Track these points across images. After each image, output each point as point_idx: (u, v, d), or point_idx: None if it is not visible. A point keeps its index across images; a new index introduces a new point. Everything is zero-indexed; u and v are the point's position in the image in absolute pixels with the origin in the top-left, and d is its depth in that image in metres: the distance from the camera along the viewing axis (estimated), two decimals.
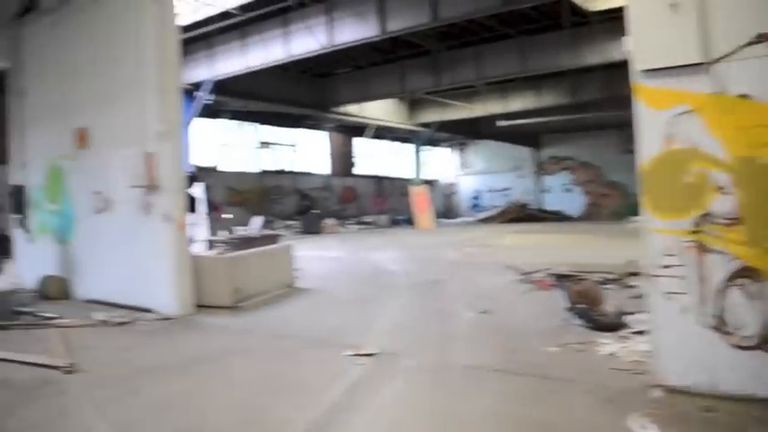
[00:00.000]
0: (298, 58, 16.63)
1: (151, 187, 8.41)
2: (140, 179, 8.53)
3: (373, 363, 5.46)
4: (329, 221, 27.41)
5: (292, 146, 30.84)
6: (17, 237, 11.43)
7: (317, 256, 15.79)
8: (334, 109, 25.22)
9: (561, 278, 9.54)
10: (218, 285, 8.59)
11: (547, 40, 18.55)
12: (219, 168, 27.59)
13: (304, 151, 31.41)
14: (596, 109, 26.04)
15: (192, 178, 10.72)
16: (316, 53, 16.08)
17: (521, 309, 7.89)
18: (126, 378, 5.27)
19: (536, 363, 5.35)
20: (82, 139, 9.71)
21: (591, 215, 34.27)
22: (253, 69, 17.54)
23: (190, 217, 17.66)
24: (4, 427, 4.22)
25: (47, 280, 9.97)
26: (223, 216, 27.16)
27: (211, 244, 15.27)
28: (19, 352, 6.18)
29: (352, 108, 25.91)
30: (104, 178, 9.25)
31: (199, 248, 15.90)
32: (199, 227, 18.00)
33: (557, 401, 4.41)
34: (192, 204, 9.99)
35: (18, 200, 11.09)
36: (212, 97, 19.35)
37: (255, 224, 22.86)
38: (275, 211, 29.50)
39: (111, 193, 9.20)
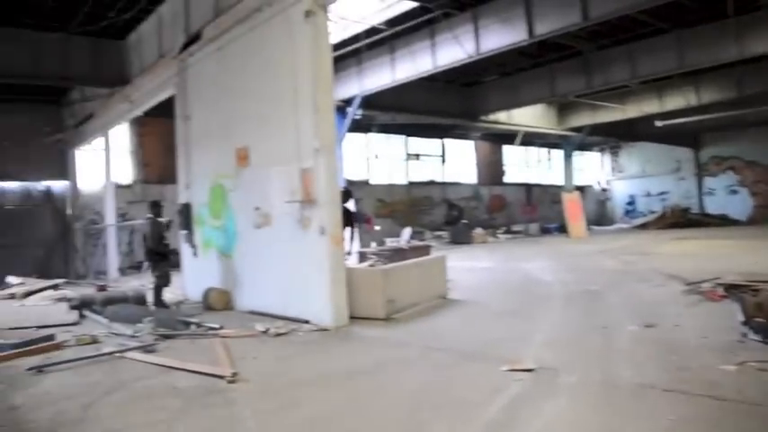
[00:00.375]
0: (445, 68, 16.59)
1: (307, 202, 8.73)
2: (297, 194, 8.87)
3: (532, 378, 5.26)
4: (478, 231, 27.16)
5: (440, 156, 30.98)
6: (183, 251, 12.32)
7: (467, 267, 15.67)
8: (483, 117, 24.98)
9: (733, 289, 8.77)
10: (372, 297, 8.73)
11: (706, 32, 17.17)
12: (370, 182, 28.29)
13: (452, 161, 31.43)
14: (764, 103, 23.82)
15: (347, 193, 11.03)
16: (463, 62, 16.00)
17: (688, 322, 7.31)
18: (286, 389, 5.43)
19: (710, 382, 4.89)
20: (242, 158, 10.30)
21: (760, 218, 31.29)
22: (401, 82, 17.77)
23: (345, 230, 18.30)
24: (187, 430, 4.50)
25: (210, 292, 10.63)
26: (375, 228, 27.82)
27: (363, 256, 15.69)
28: (186, 360, 6.58)
29: (500, 115, 25.55)
30: (263, 194, 9.74)
31: (352, 261, 16.42)
32: (351, 239, 18.57)
33: (742, 429, 4.03)
34: (347, 218, 10.27)
35: (185, 216, 11.95)
36: (361, 112, 19.84)
37: (405, 235, 23.13)
38: (424, 222, 29.70)
39: (269, 209, 9.66)
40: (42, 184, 20.80)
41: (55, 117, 20.81)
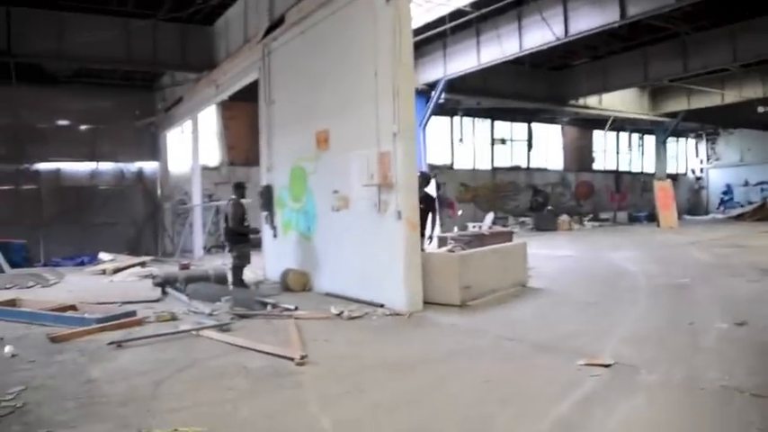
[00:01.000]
0: (532, 51, 16.09)
1: (384, 186, 8.64)
2: (374, 178, 8.80)
3: (609, 375, 4.96)
4: (563, 218, 26.42)
5: (526, 141, 30.29)
6: (264, 232, 12.47)
7: (549, 255, 15.22)
8: (572, 102, 24.17)
9: None
10: (448, 283, 8.54)
11: None
12: (454, 166, 27.98)
13: (539, 146, 30.68)
14: None
15: (426, 178, 10.86)
16: (551, 45, 15.46)
17: None
18: (353, 374, 5.35)
19: None
20: (322, 141, 10.30)
21: None
22: (486, 66, 17.38)
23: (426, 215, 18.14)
24: (239, 414, 4.45)
25: (288, 273, 10.71)
26: (458, 213, 27.55)
27: (443, 241, 15.49)
28: (258, 340, 6.62)
29: (590, 100, 24.64)
30: (342, 178, 9.70)
31: (432, 245, 16.26)
32: (432, 225, 18.39)
33: None
34: (428, 203, 10.13)
35: (266, 198, 12.09)
36: (445, 96, 19.56)
37: (487, 221, 22.75)
38: (508, 208, 29.20)
39: (347, 192, 9.63)
40: (135, 166, 21.67)
41: (147, 101, 21.61)
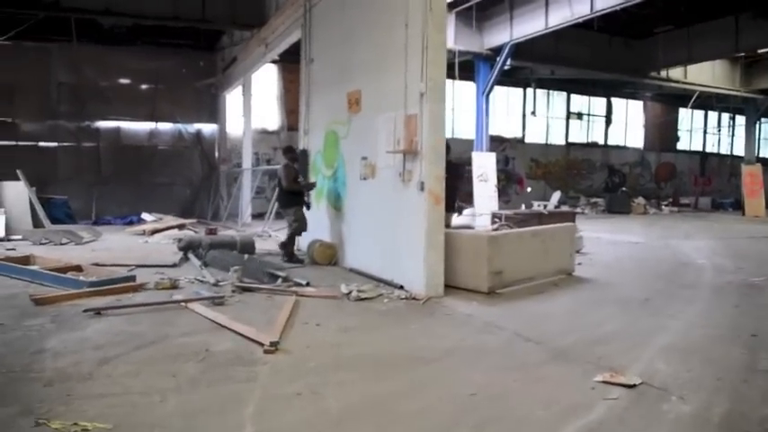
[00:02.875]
0: (605, 12, 14.42)
1: (410, 153, 7.67)
2: (401, 144, 7.86)
3: (629, 399, 3.90)
4: (639, 201, 24.72)
5: (605, 117, 28.43)
6: None
7: (613, 240, 13.92)
8: (653, 74, 22.18)
9: None
10: (476, 267, 7.51)
11: None
12: (525, 140, 26.60)
13: (618, 123, 28.76)
14: None
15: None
16: (624, 6, 13.86)
17: None
18: (321, 370, 4.49)
19: None
20: (354, 102, 9.38)
21: None
22: (554, 28, 15.86)
23: (481, 189, 17.04)
24: (160, 409, 3.70)
25: (314, 245, 9.95)
26: (527, 189, 26.28)
27: (496, 218, 14.40)
28: (243, 319, 5.89)
29: (674, 73, 22.55)
30: (371, 143, 8.78)
31: (483, 222, 15.19)
32: (487, 200, 17.27)
33: None
34: (454, 171, 9.05)
35: (302, 164, 11.32)
36: (511, 62, 18.20)
37: (553, 200, 21.37)
38: (581, 187, 27.65)
39: (375, 159, 8.71)
40: (193, 127, 21.40)
41: (209, 62, 21.26)
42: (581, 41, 19.47)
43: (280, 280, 8.07)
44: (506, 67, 17.91)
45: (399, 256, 7.90)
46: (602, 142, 28.46)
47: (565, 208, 19.34)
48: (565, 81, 25.41)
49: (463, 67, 18.37)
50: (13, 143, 18.77)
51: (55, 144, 19.56)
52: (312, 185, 10.49)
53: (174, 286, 7.70)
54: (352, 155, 9.47)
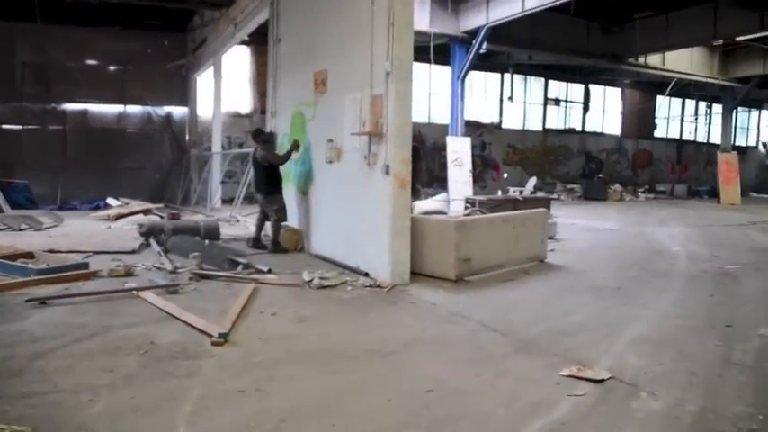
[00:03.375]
0: None
1: (375, 135, 7.36)
2: (366, 125, 7.55)
3: (596, 395, 3.65)
4: (615, 188, 24.64)
5: (582, 103, 28.27)
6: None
7: (588, 227, 13.74)
8: (631, 60, 21.97)
9: None
10: (443, 253, 7.25)
11: None
12: (502, 125, 26.36)
13: (595, 110, 28.63)
14: None
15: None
16: None
17: None
18: (269, 364, 4.19)
19: None
20: (320, 83, 9.03)
21: None
22: (532, 11, 15.52)
23: (456, 174, 16.78)
24: (88, 410, 3.37)
25: (280, 230, 9.64)
26: (504, 175, 26.08)
27: (469, 204, 14.16)
28: (197, 308, 5.59)
29: (652, 59, 22.35)
30: (337, 125, 8.45)
31: (456, 208, 14.94)
32: (462, 185, 17.02)
33: None
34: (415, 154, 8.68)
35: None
36: (489, 47, 17.89)
37: (529, 185, 21.18)
38: (558, 173, 27.52)
39: (341, 142, 8.39)
40: (163, 110, 20.83)
41: (180, 44, 20.63)
42: (558, 26, 19.20)
43: (240, 267, 7.75)
44: (482, 51, 17.57)
45: (364, 243, 7.61)
46: (579, 129, 28.32)
47: (541, 194, 19.12)
48: (543, 67, 25.18)
49: (439, 50, 18.05)
50: None
51: (19, 127, 18.91)
52: (295, 145, 9.69)
53: (128, 273, 7.35)
54: (319, 137, 9.14)
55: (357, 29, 7.80)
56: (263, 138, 9.99)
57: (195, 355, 4.38)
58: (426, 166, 24.71)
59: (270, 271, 7.59)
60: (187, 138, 20.84)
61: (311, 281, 6.93)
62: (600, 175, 26.23)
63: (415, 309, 5.98)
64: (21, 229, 11.67)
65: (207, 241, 8.70)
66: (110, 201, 15.97)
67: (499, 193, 20.12)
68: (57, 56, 18.89)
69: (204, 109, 20.41)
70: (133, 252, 9.14)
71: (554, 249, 9.63)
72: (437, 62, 17.60)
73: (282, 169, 10.11)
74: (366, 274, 7.38)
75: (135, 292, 6.32)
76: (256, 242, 9.78)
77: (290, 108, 10.34)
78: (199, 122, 20.56)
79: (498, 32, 17.34)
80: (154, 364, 4.20)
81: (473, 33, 17.38)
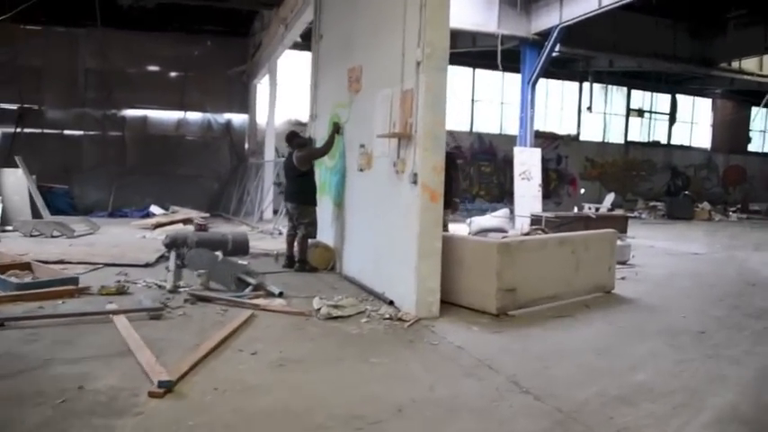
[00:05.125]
0: None
1: (404, 137, 6.22)
2: (395, 126, 6.43)
3: None
4: (703, 206, 22.51)
5: (668, 114, 26.23)
6: None
7: (670, 250, 12.11)
8: (723, 65, 19.93)
9: None
10: (482, 281, 5.99)
11: None
12: (580, 137, 24.74)
13: (683, 122, 26.52)
14: None
15: None
16: None
17: None
18: None
19: None
20: (355, 80, 7.97)
21: None
22: (609, 8, 13.97)
23: (523, 188, 15.41)
24: None
25: (312, 247, 8.58)
26: (581, 191, 24.57)
27: (535, 222, 12.79)
28: (173, 340, 4.69)
29: (747, 64, 20.24)
30: (368, 128, 7.36)
31: (522, 226, 13.60)
32: (530, 200, 15.62)
33: None
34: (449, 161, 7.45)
35: None
36: (563, 50, 16.46)
37: (607, 202, 19.50)
38: (640, 190, 25.62)
39: (371, 147, 7.28)
40: (223, 117, 20.38)
41: (242, 49, 20.16)
42: (641, 28, 17.57)
43: (249, 288, 6.74)
44: (555, 54, 16.18)
45: (390, 265, 6.48)
46: (664, 142, 26.31)
47: (618, 212, 17.45)
48: (625, 75, 23.42)
49: (511, 57, 16.76)
50: (39, 131, 18.11)
51: (81, 132, 18.82)
52: (336, 127, 8.56)
53: (120, 292, 6.49)
54: (353, 142, 8.07)
55: (391, 15, 6.70)
56: (299, 141, 8.98)
57: (118, 411, 3.36)
58: (497, 180, 23.49)
59: (281, 294, 6.55)
60: (246, 146, 20.27)
61: (319, 310, 5.82)
62: (686, 193, 24.16)
63: (432, 353, 4.76)
64: (53, 236, 11.17)
65: (220, 256, 7.75)
66: (153, 209, 15.42)
67: (574, 209, 18.55)
68: (118, 61, 18.74)
69: (264, 117, 19.79)
70: (147, 265, 8.35)
71: (625, 277, 8.21)
72: (510, 69, 16.30)
73: (319, 180, 9.11)
74: (391, 303, 6.24)
75: (112, 315, 5.40)
76: (290, 260, 8.76)
77: (328, 110, 9.35)
78: (259, 131, 19.95)
79: (574, 34, 15.88)
80: (59, 421, 3.21)
81: (545, 35, 16.00)
